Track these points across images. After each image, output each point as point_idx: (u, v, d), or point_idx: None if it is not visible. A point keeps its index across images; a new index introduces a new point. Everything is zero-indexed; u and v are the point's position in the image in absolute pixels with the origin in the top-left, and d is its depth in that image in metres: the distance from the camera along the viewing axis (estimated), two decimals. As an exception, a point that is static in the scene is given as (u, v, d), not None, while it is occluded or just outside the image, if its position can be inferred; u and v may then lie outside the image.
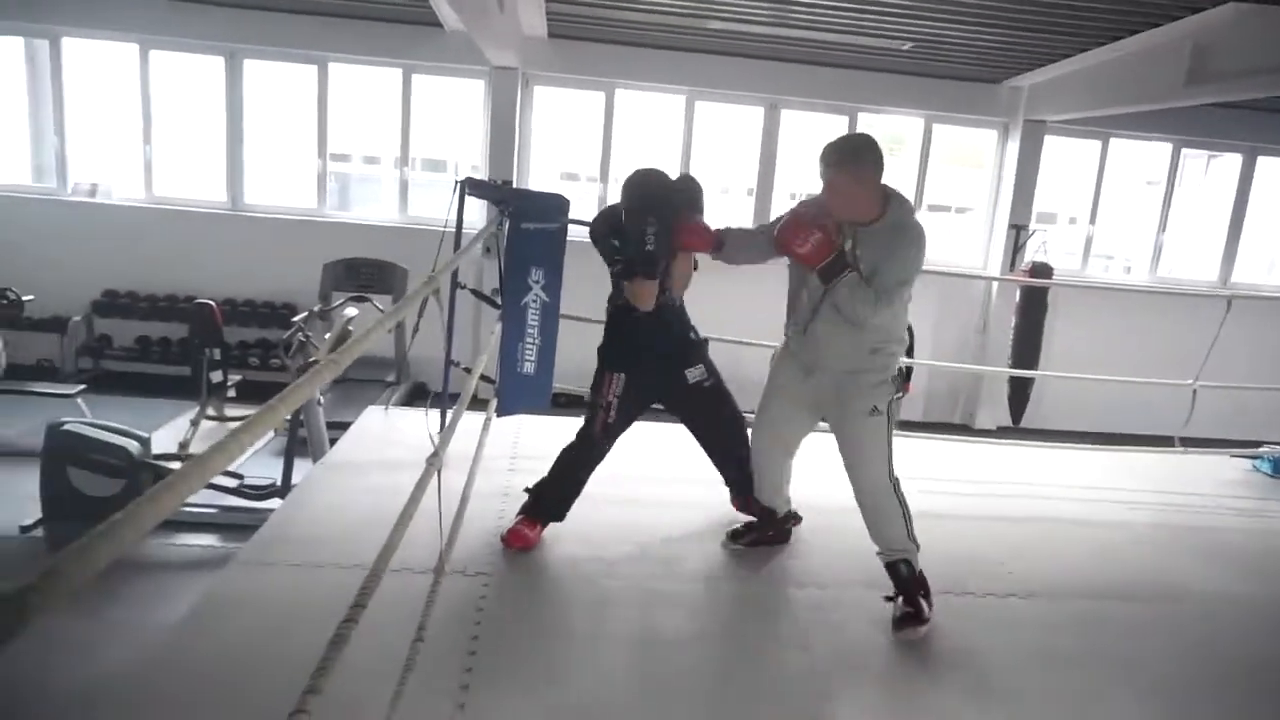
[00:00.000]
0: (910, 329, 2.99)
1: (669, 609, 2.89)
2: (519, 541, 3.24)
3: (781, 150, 9.64)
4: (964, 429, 9.38)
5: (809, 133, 10.00)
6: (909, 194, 10.15)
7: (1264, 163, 10.21)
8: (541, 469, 4.05)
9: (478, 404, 4.09)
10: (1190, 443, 5.09)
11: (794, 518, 3.48)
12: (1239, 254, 10.21)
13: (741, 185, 10.00)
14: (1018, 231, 9.40)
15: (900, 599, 2.84)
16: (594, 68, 9.12)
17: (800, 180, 10.24)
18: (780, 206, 9.91)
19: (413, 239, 8.28)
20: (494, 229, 3.61)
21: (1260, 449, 5.09)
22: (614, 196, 10.30)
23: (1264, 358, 8.28)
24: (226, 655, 2.46)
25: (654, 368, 3.33)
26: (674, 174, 3.27)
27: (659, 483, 4.01)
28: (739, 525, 3.44)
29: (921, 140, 9.84)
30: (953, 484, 4.35)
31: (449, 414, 2.95)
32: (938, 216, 10.49)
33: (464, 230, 3.99)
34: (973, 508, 4.08)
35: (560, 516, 3.34)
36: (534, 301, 3.69)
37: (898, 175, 10.05)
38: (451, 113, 10.02)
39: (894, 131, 10.12)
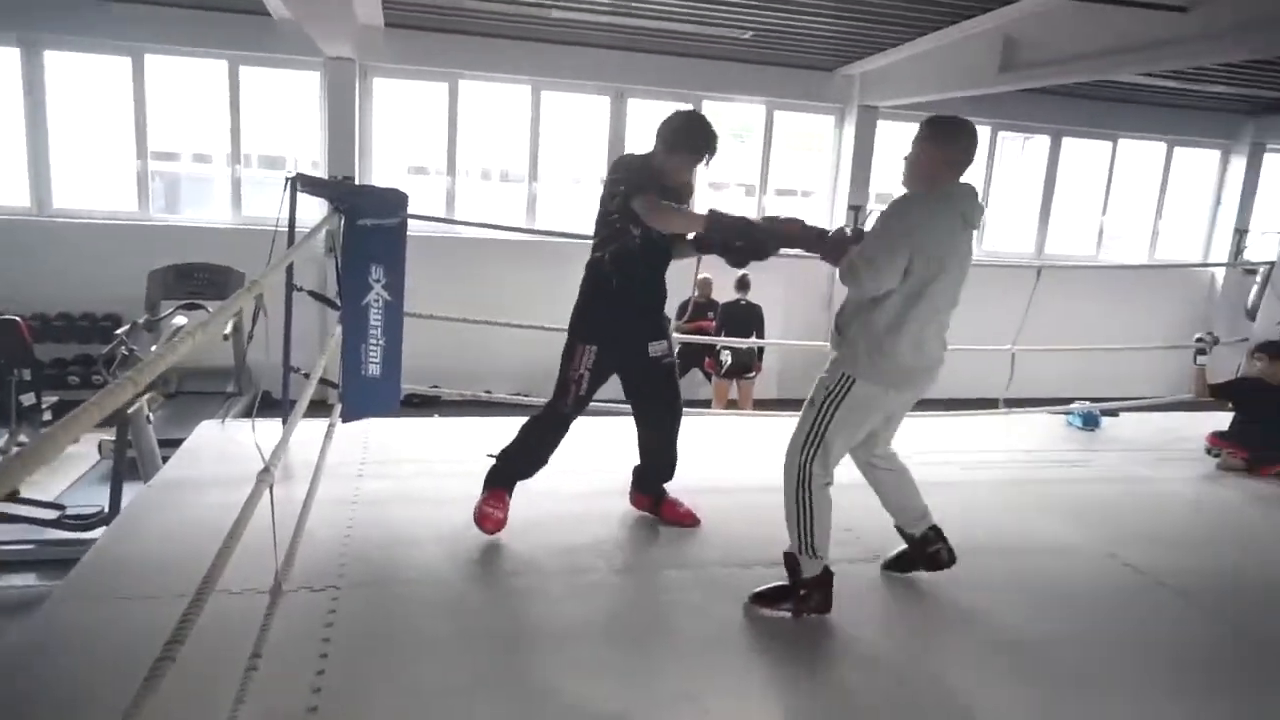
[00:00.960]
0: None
1: (536, 608, 2.85)
2: (491, 525, 3.21)
3: (630, 138, 9.71)
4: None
5: (656, 121, 10.10)
6: (754, 179, 10.45)
7: (1068, 143, 11.13)
8: (395, 472, 3.93)
9: (324, 410, 3.92)
10: (1013, 403, 5.48)
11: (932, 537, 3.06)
12: (1050, 227, 11.11)
13: (593, 175, 10.00)
14: (856, 212, 9.85)
15: (781, 584, 2.83)
16: (435, 58, 8.88)
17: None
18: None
19: (250, 240, 7.71)
20: (329, 227, 3.44)
21: (1071, 405, 5.54)
22: (462, 189, 10.07)
23: (1073, 322, 9.01)
24: (40, 702, 2.25)
25: (626, 338, 3.27)
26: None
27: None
28: (892, 554, 3.14)
29: (764, 126, 10.14)
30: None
31: (288, 425, 2.78)
32: (784, 200, 10.86)
33: (299, 230, 3.80)
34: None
35: (526, 477, 3.34)
36: (376, 301, 3.55)
37: (745, 161, 10.33)
38: (287, 107, 9.53)
39: (742, 120, 10.39)
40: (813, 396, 2.80)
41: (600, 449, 4.48)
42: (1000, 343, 5.57)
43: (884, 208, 2.74)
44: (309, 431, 4.13)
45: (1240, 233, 11.78)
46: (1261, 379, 4.88)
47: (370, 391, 3.60)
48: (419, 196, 9.64)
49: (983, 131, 10.67)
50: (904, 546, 3.11)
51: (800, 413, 2.86)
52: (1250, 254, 11.42)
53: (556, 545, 3.28)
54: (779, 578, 2.87)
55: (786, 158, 10.76)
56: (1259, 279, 7.32)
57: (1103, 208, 11.36)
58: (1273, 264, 6.34)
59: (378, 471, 3.89)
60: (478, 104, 9.47)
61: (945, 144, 2.71)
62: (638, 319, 3.29)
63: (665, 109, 10.81)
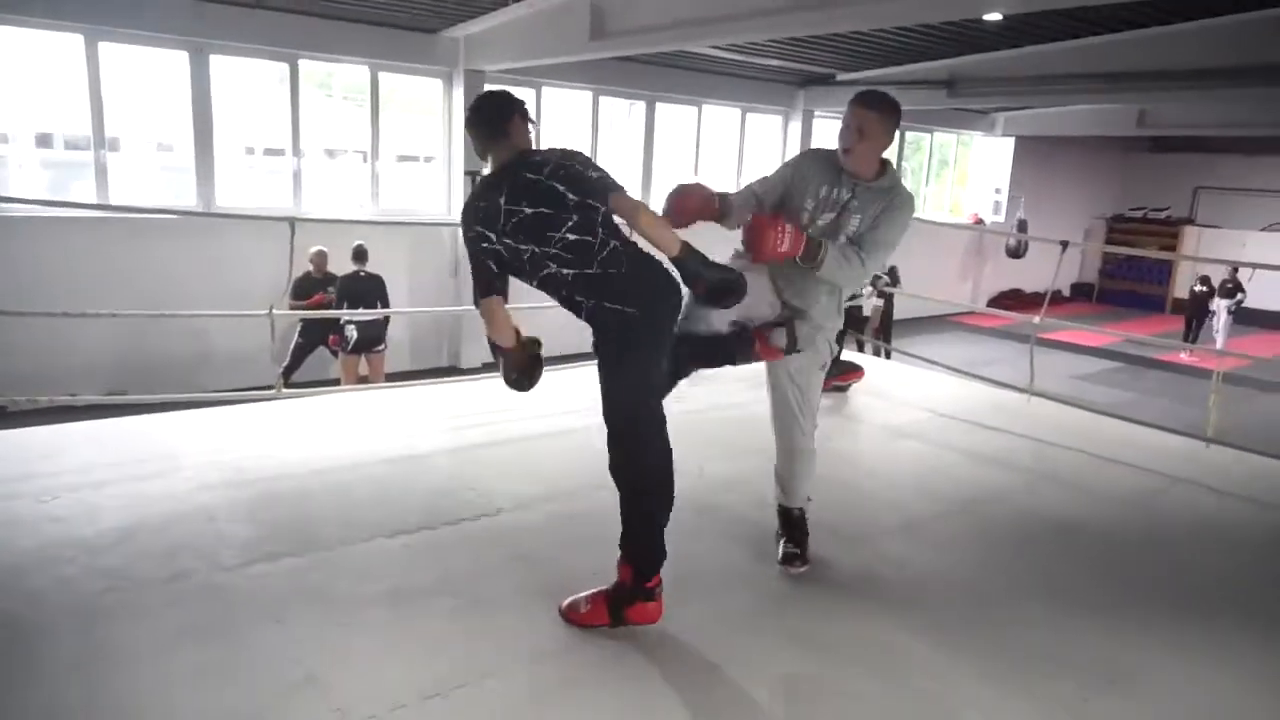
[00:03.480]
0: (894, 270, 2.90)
1: (125, 639, 2.54)
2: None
3: (219, 101, 8.78)
4: (451, 370, 9.81)
5: (246, 82, 9.25)
6: (366, 144, 10.05)
7: (662, 109, 12.18)
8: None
9: None
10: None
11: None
12: (652, 186, 12.14)
13: (179, 142, 8.91)
14: (473, 177, 9.91)
15: (786, 540, 3.07)
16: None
17: (249, 135, 9.49)
18: (228, 161, 9.10)
19: None
20: None
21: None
22: (4, 155, 8.50)
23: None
24: None
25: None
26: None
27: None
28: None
29: (370, 88, 9.76)
30: (439, 423, 4.53)
31: None
32: (406, 167, 10.59)
33: None
34: (453, 443, 4.29)
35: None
36: None
37: (358, 126, 9.88)
38: None
39: (352, 81, 9.88)
40: (808, 380, 2.97)
41: (180, 443, 4.12)
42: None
43: (883, 195, 2.77)
44: None
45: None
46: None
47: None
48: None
49: (585, 96, 11.33)
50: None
51: (781, 394, 2.99)
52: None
53: (154, 551, 2.95)
54: (422, 545, 2.86)
55: (401, 122, 10.48)
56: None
57: (694, 167, 12.64)
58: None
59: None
60: (17, 55, 7.92)
61: (898, 120, 2.78)
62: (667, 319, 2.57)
63: (256, 68, 10.02)
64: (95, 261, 7.98)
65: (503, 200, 2.45)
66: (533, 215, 2.43)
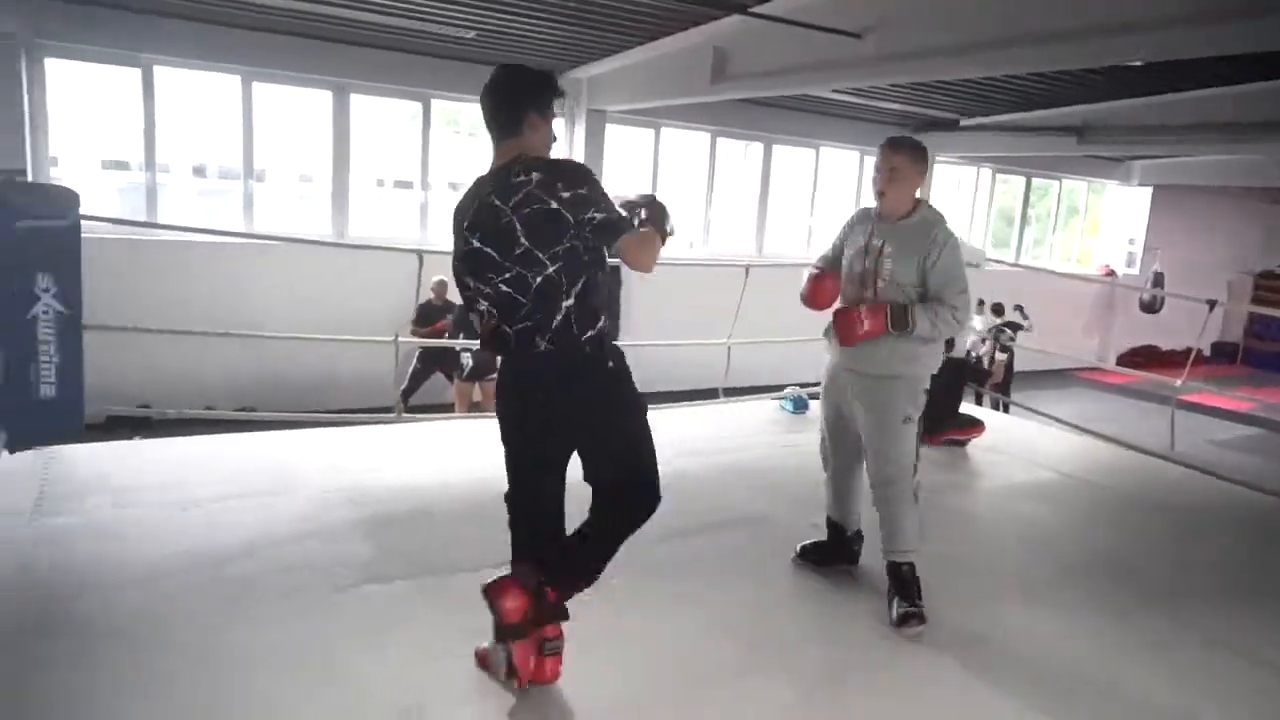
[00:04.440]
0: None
1: (245, 649, 2.65)
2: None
3: (355, 136, 9.30)
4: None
5: (381, 119, 9.76)
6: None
7: (779, 150, 12.17)
8: (82, 507, 3.47)
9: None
10: (732, 392, 5.92)
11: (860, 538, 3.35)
12: (766, 228, 12.10)
13: (318, 173, 9.47)
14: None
15: (900, 598, 2.97)
16: (123, 40, 7.95)
17: (380, 168, 9.99)
18: (360, 195, 9.58)
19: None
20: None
21: (784, 391, 6.09)
22: (164, 183, 9.17)
23: (783, 315, 9.86)
24: None
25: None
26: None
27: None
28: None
29: (497, 128, 10.12)
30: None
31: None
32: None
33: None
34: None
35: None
36: (45, 313, 3.14)
37: (483, 160, 10.25)
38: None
39: (476, 119, 10.29)
40: (907, 415, 2.97)
41: (305, 461, 4.29)
42: (719, 336, 5.99)
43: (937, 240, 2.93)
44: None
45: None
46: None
47: (43, 415, 3.19)
48: (115, 194, 8.70)
49: (704, 138, 11.43)
50: (823, 539, 3.34)
51: (882, 435, 2.98)
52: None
53: (277, 566, 3.08)
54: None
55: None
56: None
57: (810, 209, 12.54)
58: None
59: (57, 507, 3.42)
60: (180, 93, 8.61)
61: (923, 163, 3.03)
62: None
63: (391, 106, 10.47)
64: (238, 286, 8.51)
65: (465, 223, 2.25)
66: (477, 251, 2.22)
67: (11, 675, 2.34)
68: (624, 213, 2.21)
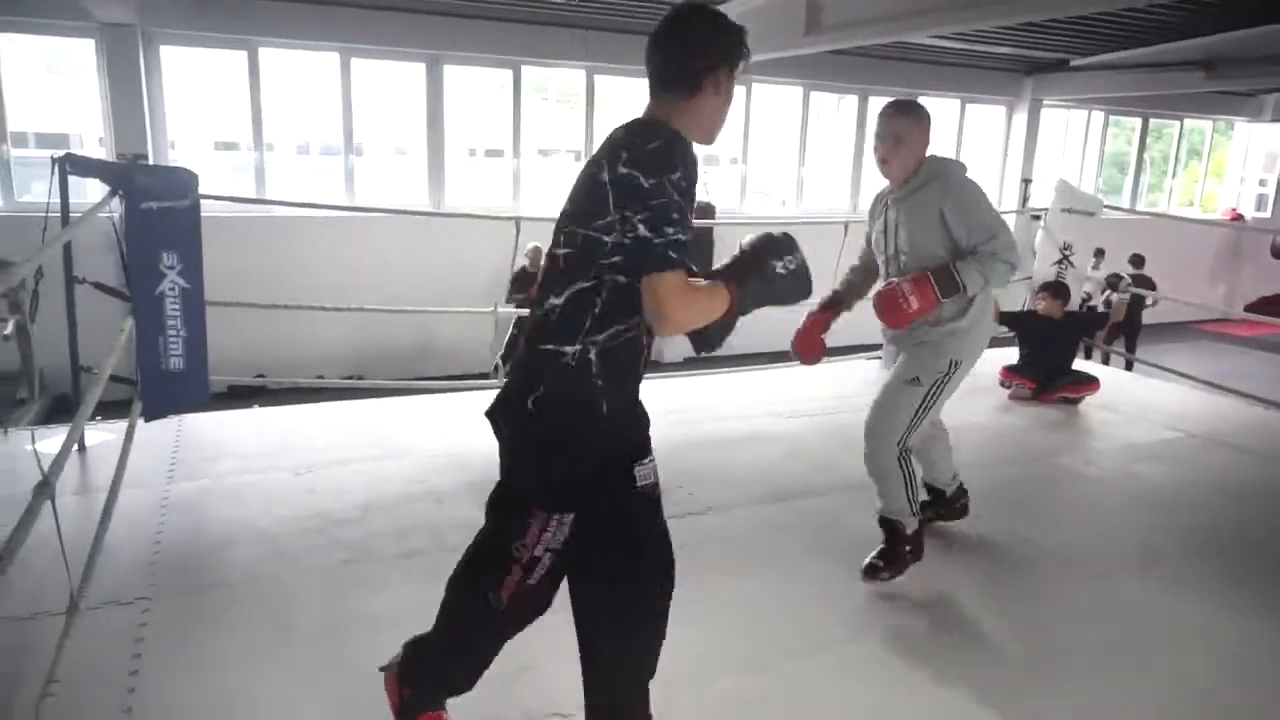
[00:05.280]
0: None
1: (367, 596, 2.77)
2: None
3: (450, 108, 9.44)
4: (653, 364, 9.97)
5: (474, 89, 9.88)
6: (579, 143, 10.42)
7: (875, 102, 11.76)
8: (211, 470, 3.69)
9: (124, 410, 3.63)
10: (832, 352, 5.79)
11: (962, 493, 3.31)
12: (862, 184, 11.75)
13: (413, 145, 9.68)
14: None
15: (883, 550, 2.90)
16: (229, 25, 8.27)
17: (472, 137, 10.13)
18: (456, 164, 9.74)
19: (23, 228, 7.07)
20: (106, 212, 3.16)
21: (879, 350, 5.92)
22: (271, 164, 9.53)
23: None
24: None
25: (621, 486, 1.75)
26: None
27: (338, 462, 3.82)
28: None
29: (585, 91, 10.11)
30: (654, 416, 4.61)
31: (71, 428, 2.55)
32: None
33: (74, 216, 3.47)
34: (666, 436, 4.35)
35: (458, 689, 2.00)
36: (171, 290, 3.32)
37: (572, 128, 10.29)
38: (64, 79, 8.64)
39: (566, 85, 10.31)
40: (915, 377, 2.83)
41: (410, 427, 4.42)
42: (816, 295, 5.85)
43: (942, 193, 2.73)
44: (107, 434, 3.87)
45: (1026, 182, 12.89)
46: (1043, 314, 5.39)
47: (173, 386, 3.38)
48: (228, 173, 9.12)
49: (796, 91, 11.14)
50: (927, 498, 3.23)
51: (885, 389, 2.89)
52: (1034, 201, 12.54)
53: (390, 529, 3.20)
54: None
55: (613, 122, 10.79)
56: (1041, 224, 8.04)
57: (907, 162, 12.12)
58: (1047, 210, 6.96)
59: (190, 472, 3.65)
60: (283, 73, 8.91)
61: (928, 123, 2.82)
62: (636, 451, 1.78)
63: (485, 76, 10.59)
64: (341, 256, 8.83)
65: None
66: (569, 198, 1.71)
67: (156, 630, 2.52)
68: (681, 236, 1.54)
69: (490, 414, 1.77)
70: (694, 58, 1.68)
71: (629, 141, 1.60)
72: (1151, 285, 8.93)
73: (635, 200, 1.54)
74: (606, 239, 1.57)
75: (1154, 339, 11.74)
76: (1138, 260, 9.95)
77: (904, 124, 2.77)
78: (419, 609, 2.65)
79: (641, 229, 1.53)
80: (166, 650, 2.41)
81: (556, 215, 1.70)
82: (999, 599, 2.87)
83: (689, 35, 1.70)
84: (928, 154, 2.82)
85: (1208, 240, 15.00)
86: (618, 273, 1.59)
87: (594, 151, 1.68)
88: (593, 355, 1.64)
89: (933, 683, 2.40)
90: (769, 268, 1.71)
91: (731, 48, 1.71)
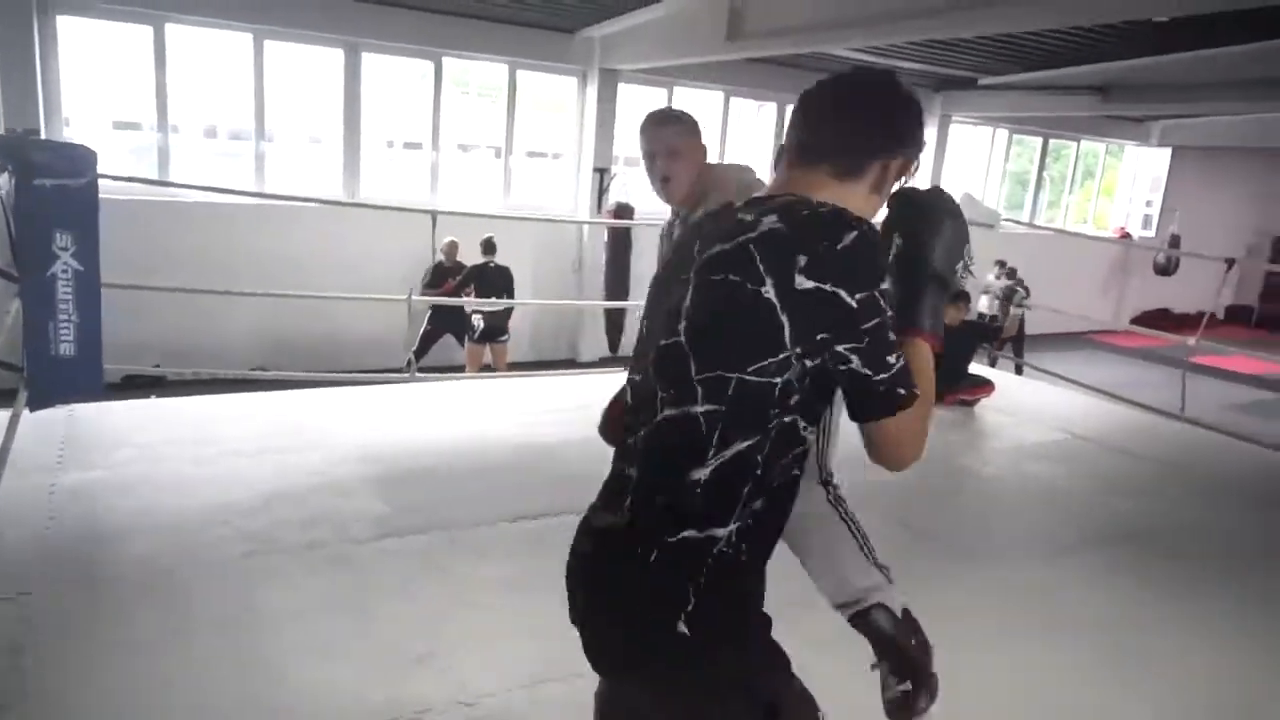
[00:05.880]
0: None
1: (267, 589, 2.71)
2: None
3: (367, 97, 9.24)
4: (569, 363, 9.98)
5: (393, 79, 9.69)
6: (500, 139, 10.32)
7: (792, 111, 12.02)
8: (104, 461, 3.54)
9: (8, 399, 3.45)
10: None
11: None
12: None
13: (328, 134, 9.43)
14: (601, 174, 10.07)
15: (884, 665, 1.99)
16: (133, -3, 7.90)
17: (390, 129, 9.94)
18: (372, 156, 9.54)
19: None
20: (-4, 189, 3.01)
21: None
22: (176, 146, 9.15)
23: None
24: None
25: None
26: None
27: (242, 454, 3.71)
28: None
29: (508, 87, 10.05)
30: (560, 414, 4.62)
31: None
32: (535, 163, 10.86)
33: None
34: (578, 434, 4.37)
35: None
36: (64, 272, 3.18)
37: (492, 123, 10.21)
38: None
39: (489, 79, 10.22)
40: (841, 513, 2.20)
41: (318, 419, 4.35)
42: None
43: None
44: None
45: (935, 194, 13.36)
46: (945, 321, 5.62)
47: (63, 374, 3.23)
48: (127, 154, 8.70)
49: (716, 98, 11.31)
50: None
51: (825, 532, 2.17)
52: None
53: (294, 519, 3.14)
54: (545, 531, 2.93)
55: (534, 119, 10.74)
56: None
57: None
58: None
59: (81, 461, 3.50)
60: (191, 52, 8.56)
61: (700, 132, 2.37)
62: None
63: (403, 65, 10.37)
64: (249, 246, 8.53)
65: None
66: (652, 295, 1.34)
67: (39, 625, 2.41)
68: (904, 361, 1.14)
69: (601, 630, 1.29)
70: (868, 136, 1.26)
71: (806, 237, 1.11)
72: (1026, 291, 9.52)
73: (838, 326, 1.10)
74: (777, 380, 1.12)
75: (1047, 347, 12.34)
76: (1011, 271, 10.44)
77: (677, 134, 2.31)
78: (322, 601, 2.62)
79: (856, 362, 1.11)
80: (50, 643, 2.31)
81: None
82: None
83: (894, 110, 1.28)
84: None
85: (1101, 256, 15.85)
86: (789, 414, 1.15)
87: (697, 241, 1.22)
88: (751, 523, 1.18)
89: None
90: (954, 283, 1.32)
91: (912, 131, 1.29)
